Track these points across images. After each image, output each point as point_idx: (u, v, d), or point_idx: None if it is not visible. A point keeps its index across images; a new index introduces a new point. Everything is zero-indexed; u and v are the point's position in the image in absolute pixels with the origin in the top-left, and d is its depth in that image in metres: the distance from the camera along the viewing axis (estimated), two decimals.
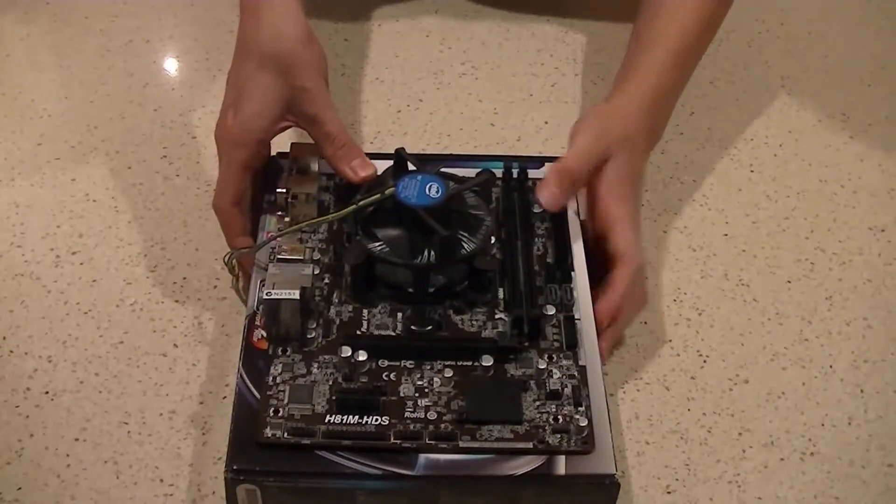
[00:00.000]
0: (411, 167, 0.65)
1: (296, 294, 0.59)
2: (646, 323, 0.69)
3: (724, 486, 0.62)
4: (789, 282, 0.73)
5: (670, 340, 0.69)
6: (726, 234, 0.76)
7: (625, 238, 0.66)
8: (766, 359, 0.68)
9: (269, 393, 0.58)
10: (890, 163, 0.82)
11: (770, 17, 0.95)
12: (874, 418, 0.66)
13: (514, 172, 0.70)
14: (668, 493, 0.61)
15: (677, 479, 0.62)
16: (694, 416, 0.65)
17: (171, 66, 0.87)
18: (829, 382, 0.67)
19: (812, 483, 0.62)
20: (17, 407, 0.63)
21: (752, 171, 0.81)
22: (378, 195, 0.63)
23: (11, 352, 0.66)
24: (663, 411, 0.65)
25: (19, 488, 0.59)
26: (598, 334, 0.62)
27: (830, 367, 0.68)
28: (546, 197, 0.67)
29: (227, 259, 0.67)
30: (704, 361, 0.68)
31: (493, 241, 0.66)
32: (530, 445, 0.56)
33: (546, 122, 0.83)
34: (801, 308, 0.71)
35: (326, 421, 0.57)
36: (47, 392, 0.64)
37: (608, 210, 0.67)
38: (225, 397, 0.64)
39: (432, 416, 0.57)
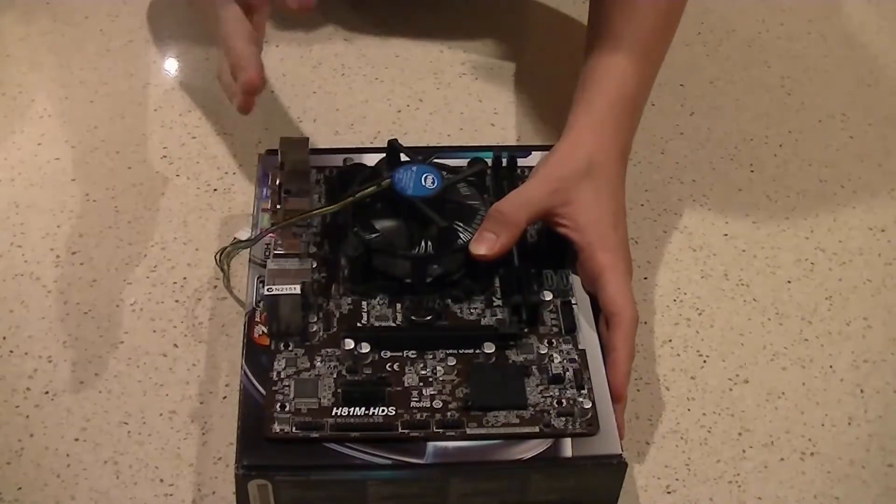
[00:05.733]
0: (404, 158, 0.66)
1: (297, 289, 0.60)
2: (646, 323, 0.69)
3: (724, 486, 0.62)
4: (789, 282, 0.73)
5: (670, 340, 0.69)
6: (726, 234, 0.76)
7: (617, 292, 0.62)
8: (766, 359, 0.68)
9: (274, 388, 0.58)
10: (890, 163, 0.82)
11: (770, 17, 0.95)
12: (874, 418, 0.66)
13: (504, 161, 0.70)
14: (668, 493, 0.61)
15: (677, 479, 0.62)
16: (694, 416, 0.65)
17: (171, 66, 0.87)
18: (829, 382, 0.67)
19: (812, 483, 0.62)
20: (17, 407, 0.63)
21: (752, 171, 0.81)
22: (374, 187, 0.63)
23: (11, 352, 0.66)
24: (663, 411, 0.65)
25: (19, 488, 0.59)
26: (615, 403, 0.59)
27: (830, 367, 0.68)
28: (473, 240, 0.62)
29: (219, 256, 0.67)
30: (704, 361, 0.68)
31: None
32: (536, 429, 0.57)
33: (546, 123, 0.83)
34: (801, 308, 0.71)
35: (333, 414, 0.57)
36: (47, 392, 0.64)
37: (592, 259, 0.63)
38: (225, 397, 0.64)
39: (438, 404, 0.58)
